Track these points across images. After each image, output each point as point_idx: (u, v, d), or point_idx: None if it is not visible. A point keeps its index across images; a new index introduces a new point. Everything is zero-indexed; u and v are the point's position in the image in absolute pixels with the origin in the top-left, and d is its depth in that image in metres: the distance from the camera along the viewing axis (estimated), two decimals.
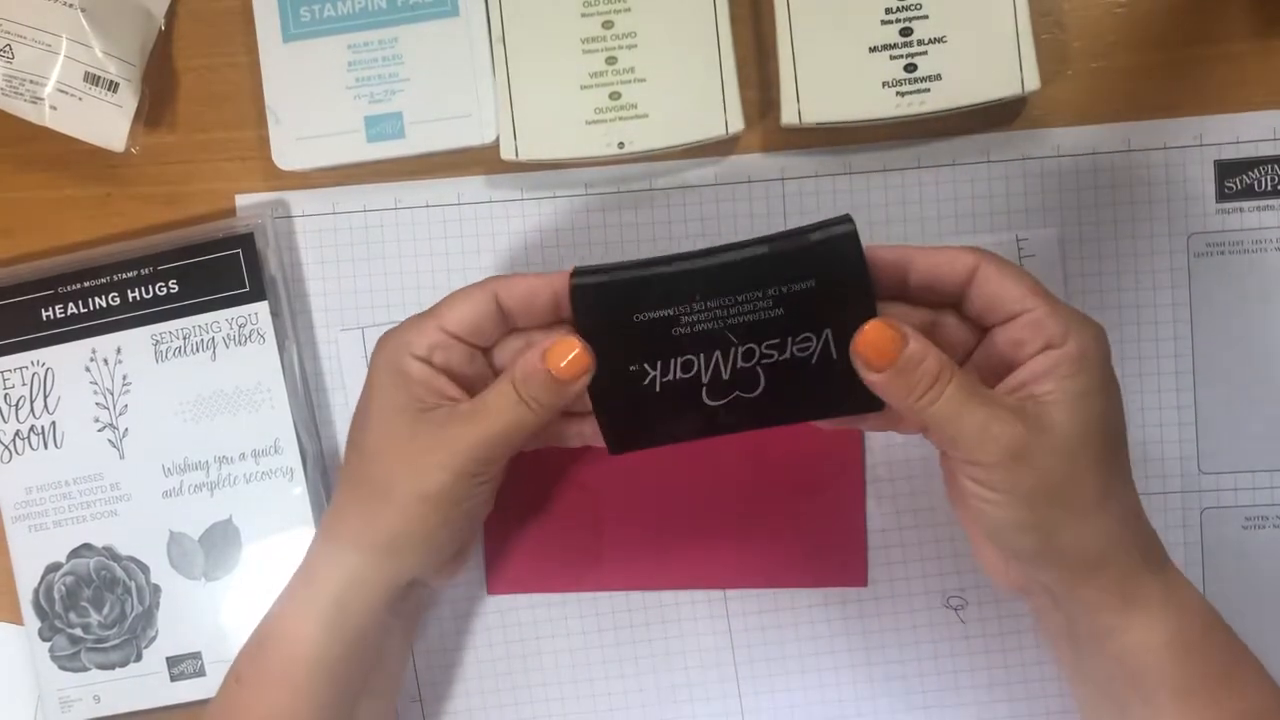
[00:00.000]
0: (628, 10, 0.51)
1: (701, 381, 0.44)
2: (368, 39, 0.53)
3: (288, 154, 0.54)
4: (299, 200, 0.56)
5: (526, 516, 0.55)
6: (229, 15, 0.55)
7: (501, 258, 0.55)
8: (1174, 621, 0.43)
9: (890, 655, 0.54)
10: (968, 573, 0.54)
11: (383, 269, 0.56)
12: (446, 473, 0.44)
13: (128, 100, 0.54)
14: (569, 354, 0.43)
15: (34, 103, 0.54)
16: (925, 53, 0.50)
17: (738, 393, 0.44)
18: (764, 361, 0.43)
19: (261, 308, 0.55)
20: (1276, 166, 0.53)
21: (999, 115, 0.53)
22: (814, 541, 0.54)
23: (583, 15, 0.52)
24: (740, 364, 0.43)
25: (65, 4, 0.53)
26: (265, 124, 0.54)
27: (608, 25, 0.52)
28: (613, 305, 0.43)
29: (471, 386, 0.46)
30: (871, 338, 0.41)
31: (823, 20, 0.50)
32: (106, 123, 0.54)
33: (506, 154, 0.52)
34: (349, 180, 0.56)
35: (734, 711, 0.55)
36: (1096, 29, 0.53)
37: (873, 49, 0.50)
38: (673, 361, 0.44)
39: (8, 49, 0.53)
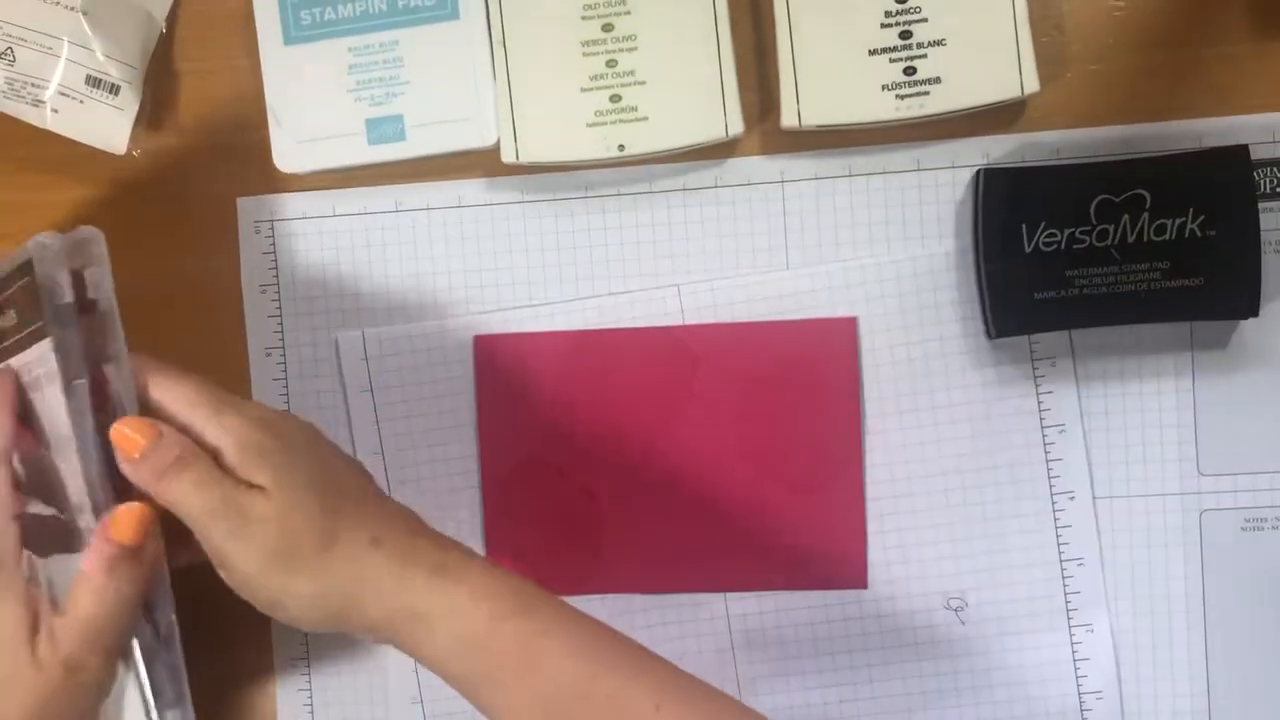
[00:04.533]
0: (628, 13, 0.51)
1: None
2: (368, 42, 0.54)
3: (289, 156, 0.54)
4: (299, 202, 0.56)
5: (526, 518, 0.55)
6: (230, 18, 0.55)
7: (502, 260, 0.55)
8: (456, 625, 0.44)
9: (890, 655, 0.55)
10: (968, 573, 0.54)
11: (383, 271, 0.56)
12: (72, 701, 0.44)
13: (129, 103, 0.54)
14: (127, 519, 0.43)
15: (35, 106, 0.54)
16: (925, 55, 0.50)
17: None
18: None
19: None
20: (1276, 168, 0.53)
21: (998, 118, 0.53)
22: (814, 542, 0.55)
23: (583, 18, 0.52)
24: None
25: (66, 7, 0.53)
26: (266, 126, 0.54)
27: (608, 28, 0.52)
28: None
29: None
30: (119, 429, 0.43)
31: (822, 23, 0.51)
32: (108, 125, 0.54)
33: (507, 157, 0.52)
34: (350, 183, 0.56)
35: None
36: (1095, 31, 0.53)
37: (872, 52, 0.50)
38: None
39: (9, 52, 0.53)
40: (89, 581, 0.43)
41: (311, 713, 0.57)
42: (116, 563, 0.43)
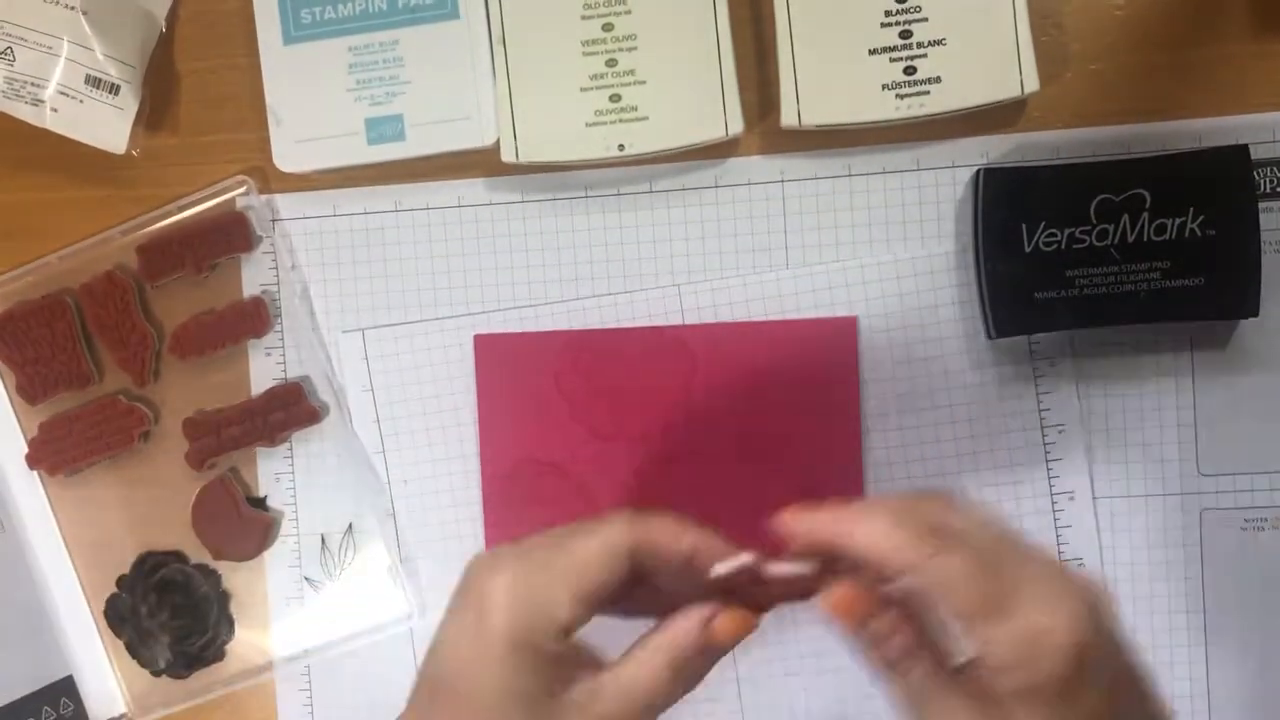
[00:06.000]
0: (628, 13, 0.51)
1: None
2: (368, 41, 0.53)
3: (289, 156, 0.54)
4: (300, 202, 0.56)
5: (526, 517, 0.55)
6: (230, 17, 0.55)
7: (502, 260, 0.55)
8: None
9: None
10: None
11: (383, 271, 0.56)
12: None
13: (128, 102, 0.54)
14: (737, 623, 0.38)
15: (35, 105, 0.54)
16: (925, 55, 0.50)
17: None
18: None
19: None
20: (1276, 168, 0.53)
21: (998, 117, 0.53)
22: None
23: (583, 18, 0.52)
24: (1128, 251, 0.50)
25: (66, 6, 0.53)
26: (266, 126, 0.54)
27: (608, 28, 0.52)
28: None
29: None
30: (838, 598, 0.38)
31: (822, 23, 0.51)
32: (107, 125, 0.54)
33: (507, 156, 0.52)
34: (350, 182, 0.56)
35: (734, 711, 0.55)
36: (1096, 31, 0.53)
37: (872, 51, 0.50)
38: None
39: (9, 51, 0.53)
40: (658, 655, 0.38)
41: (311, 713, 0.57)
42: (699, 652, 0.39)
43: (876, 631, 0.38)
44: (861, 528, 0.37)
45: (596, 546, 0.38)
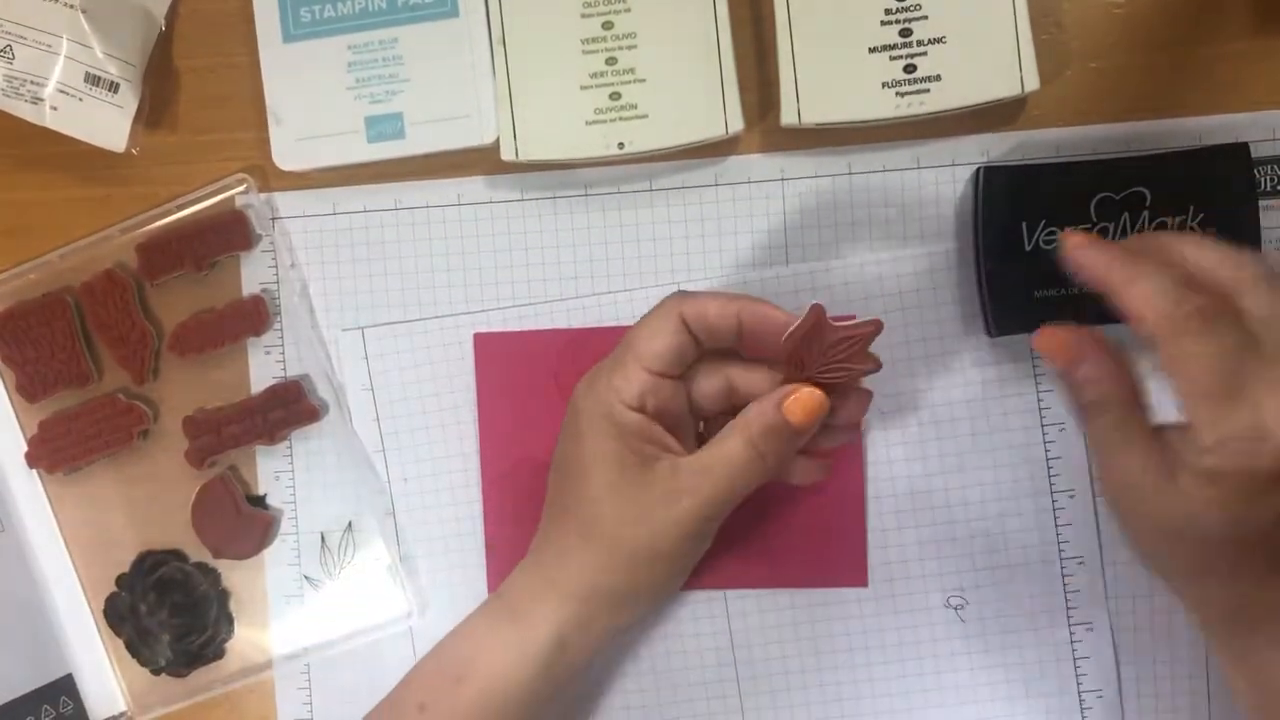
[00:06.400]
0: (628, 11, 0.51)
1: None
2: (368, 39, 0.53)
3: (288, 154, 0.54)
4: (299, 201, 0.56)
5: (526, 516, 0.55)
6: (229, 16, 0.55)
7: (502, 258, 0.55)
8: None
9: (890, 655, 0.54)
10: (967, 572, 0.54)
11: (383, 269, 0.56)
12: (679, 530, 0.44)
13: (128, 101, 0.54)
14: (808, 402, 0.43)
15: (34, 103, 0.54)
16: (925, 53, 0.50)
17: None
18: None
19: None
20: (1276, 166, 0.53)
21: (998, 116, 0.53)
22: (814, 541, 0.54)
23: (583, 16, 0.52)
24: None
25: (66, 4, 0.53)
26: (266, 125, 0.54)
27: (608, 26, 0.52)
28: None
29: (677, 422, 0.46)
30: (1049, 335, 0.41)
31: (822, 21, 0.51)
32: (107, 123, 0.54)
33: (507, 154, 0.52)
34: (349, 181, 0.56)
35: (734, 711, 0.55)
36: (1096, 29, 0.53)
37: (872, 49, 0.50)
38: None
39: (8, 50, 0.53)
40: (735, 434, 0.44)
41: (311, 711, 0.57)
42: (775, 431, 0.43)
43: (1085, 375, 0.39)
44: (1136, 289, 0.38)
45: (650, 320, 0.45)
